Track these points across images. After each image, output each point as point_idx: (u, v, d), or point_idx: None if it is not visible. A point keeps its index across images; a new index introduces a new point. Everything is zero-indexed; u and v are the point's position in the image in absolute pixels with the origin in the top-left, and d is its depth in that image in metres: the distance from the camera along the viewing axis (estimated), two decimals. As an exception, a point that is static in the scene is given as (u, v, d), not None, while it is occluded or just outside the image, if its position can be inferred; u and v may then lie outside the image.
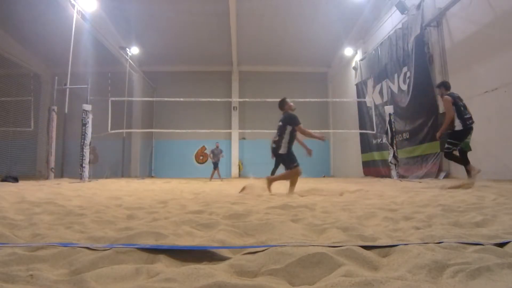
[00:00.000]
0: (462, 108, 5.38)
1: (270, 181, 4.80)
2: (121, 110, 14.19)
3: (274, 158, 6.59)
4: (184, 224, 1.91)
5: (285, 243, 1.33)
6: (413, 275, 0.96)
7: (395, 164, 9.71)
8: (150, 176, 17.92)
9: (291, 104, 4.95)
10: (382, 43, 12.26)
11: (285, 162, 4.85)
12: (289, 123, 4.72)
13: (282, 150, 4.76)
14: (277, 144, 4.77)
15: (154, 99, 17.40)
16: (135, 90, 16.76)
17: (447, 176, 8.50)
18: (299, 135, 4.86)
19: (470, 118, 5.39)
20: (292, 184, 4.75)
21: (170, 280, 0.95)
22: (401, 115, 10.63)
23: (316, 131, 5.66)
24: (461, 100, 5.45)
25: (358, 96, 14.43)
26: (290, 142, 4.77)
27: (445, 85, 5.69)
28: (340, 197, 3.93)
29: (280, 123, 4.79)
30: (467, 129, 5.40)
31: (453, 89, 8.46)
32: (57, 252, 1.22)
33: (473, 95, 7.73)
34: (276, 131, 4.88)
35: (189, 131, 12.21)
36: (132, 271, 1.04)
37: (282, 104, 4.94)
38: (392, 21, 11.56)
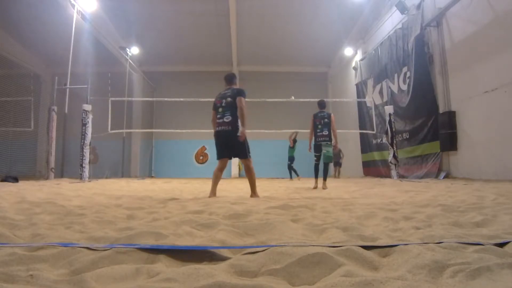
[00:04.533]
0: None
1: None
2: (121, 110, 14.17)
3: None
4: (184, 224, 1.91)
5: (285, 243, 1.33)
6: (413, 275, 0.96)
7: (395, 164, 9.71)
8: (150, 176, 17.91)
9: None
10: (382, 43, 12.26)
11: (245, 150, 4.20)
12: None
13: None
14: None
15: (154, 99, 17.39)
16: (135, 90, 16.75)
17: (447, 176, 8.51)
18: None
19: (320, 136, 6.40)
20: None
21: (170, 280, 0.95)
22: (401, 115, 10.63)
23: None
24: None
25: (358, 96, 14.42)
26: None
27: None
28: (340, 197, 3.93)
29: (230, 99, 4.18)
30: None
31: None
32: (57, 252, 1.22)
33: (473, 95, 7.74)
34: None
35: (189, 131, 12.20)
36: (132, 271, 1.03)
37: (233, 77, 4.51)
38: (392, 21, 11.56)
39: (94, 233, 1.67)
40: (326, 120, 6.33)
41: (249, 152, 4.14)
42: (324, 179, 6.37)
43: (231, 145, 4.11)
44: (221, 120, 4.10)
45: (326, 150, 6.35)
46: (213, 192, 4.05)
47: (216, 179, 4.17)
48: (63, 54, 10.75)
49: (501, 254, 1.14)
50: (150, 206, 2.96)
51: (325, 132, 6.30)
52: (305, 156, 16.36)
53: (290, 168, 12.32)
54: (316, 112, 6.49)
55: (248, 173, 4.21)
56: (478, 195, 3.55)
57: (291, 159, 12.29)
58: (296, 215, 2.31)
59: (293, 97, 12.24)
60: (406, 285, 0.87)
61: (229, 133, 4.04)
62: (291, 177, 12.33)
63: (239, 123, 4.06)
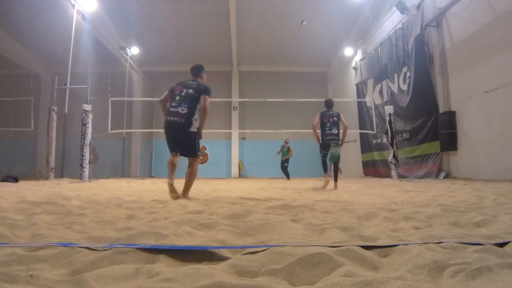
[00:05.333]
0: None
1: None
2: (121, 110, 14.17)
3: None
4: (184, 224, 1.91)
5: (285, 243, 1.33)
6: (413, 275, 0.96)
7: (395, 164, 9.71)
8: (150, 176, 17.90)
9: None
10: (382, 43, 12.26)
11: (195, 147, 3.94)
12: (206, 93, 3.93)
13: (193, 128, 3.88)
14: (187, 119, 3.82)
15: (154, 99, 17.36)
16: (135, 90, 16.74)
17: (447, 176, 8.51)
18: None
19: (329, 134, 6.20)
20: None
21: (170, 280, 0.95)
22: (401, 115, 10.63)
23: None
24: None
25: (358, 96, 14.42)
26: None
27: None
28: (340, 197, 3.93)
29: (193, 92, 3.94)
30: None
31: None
32: (57, 252, 1.22)
33: (473, 95, 7.74)
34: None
35: (189, 131, 12.18)
36: (132, 271, 1.03)
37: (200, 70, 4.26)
38: (392, 21, 11.55)
39: (94, 233, 1.67)
40: (335, 118, 6.15)
41: (198, 151, 3.93)
42: (335, 180, 6.20)
43: (180, 139, 3.89)
44: (175, 110, 3.81)
45: (335, 150, 6.16)
46: (170, 179, 3.95)
47: (172, 167, 4.03)
48: (63, 54, 10.75)
49: (501, 254, 1.14)
50: (150, 206, 2.96)
51: (334, 131, 6.12)
52: (303, 156, 16.36)
53: (285, 169, 12.78)
54: (324, 111, 6.31)
55: (189, 174, 3.93)
56: (478, 195, 3.55)
57: (286, 161, 12.68)
58: (296, 215, 2.31)
59: (304, 22, 12.36)
60: (406, 285, 0.87)
61: (180, 126, 3.79)
62: (288, 178, 12.58)
63: (194, 119, 3.84)
